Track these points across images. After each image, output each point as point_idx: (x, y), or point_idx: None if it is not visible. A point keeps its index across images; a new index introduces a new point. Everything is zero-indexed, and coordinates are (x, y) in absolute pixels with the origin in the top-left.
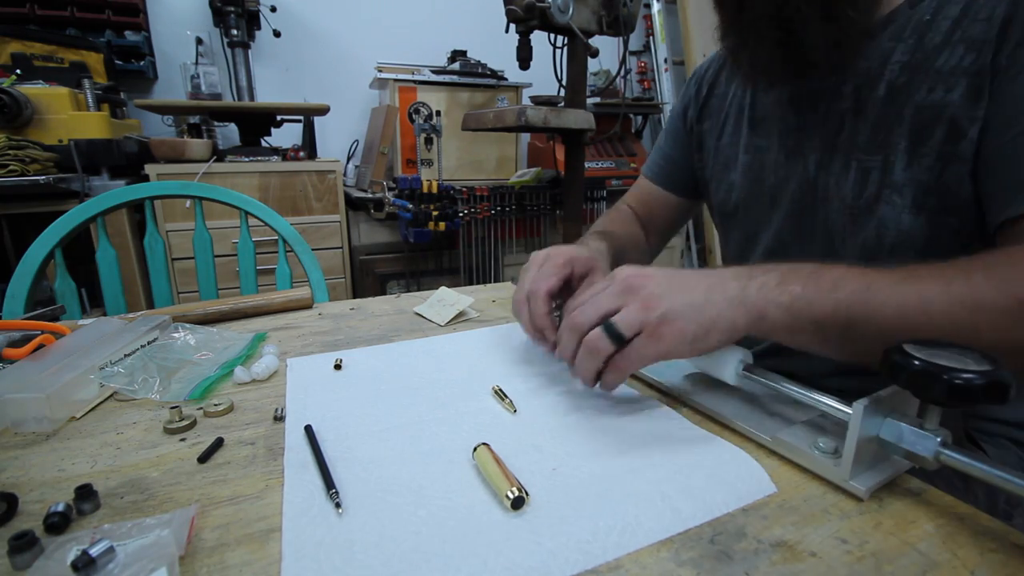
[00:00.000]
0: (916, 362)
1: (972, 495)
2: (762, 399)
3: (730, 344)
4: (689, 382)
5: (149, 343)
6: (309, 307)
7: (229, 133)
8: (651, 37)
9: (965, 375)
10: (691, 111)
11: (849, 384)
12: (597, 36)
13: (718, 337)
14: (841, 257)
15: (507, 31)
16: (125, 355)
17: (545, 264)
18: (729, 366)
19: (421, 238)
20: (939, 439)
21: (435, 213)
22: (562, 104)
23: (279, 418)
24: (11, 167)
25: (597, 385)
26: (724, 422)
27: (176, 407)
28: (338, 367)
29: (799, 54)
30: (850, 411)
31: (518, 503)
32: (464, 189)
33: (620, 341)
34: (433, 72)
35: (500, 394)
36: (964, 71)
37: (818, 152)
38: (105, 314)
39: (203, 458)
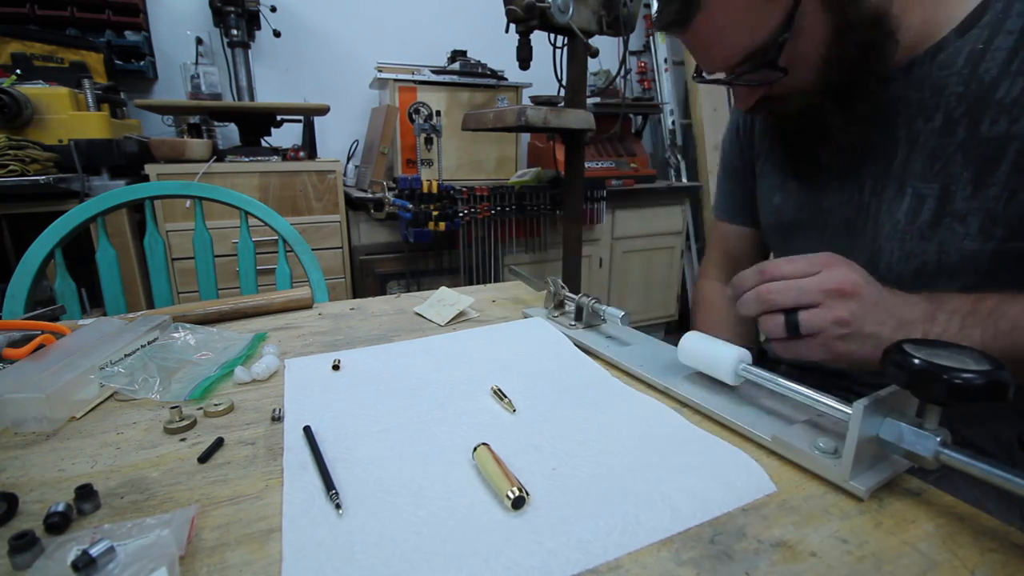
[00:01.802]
0: (916, 361)
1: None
2: (761, 399)
3: None
4: (689, 382)
5: (149, 343)
6: (309, 307)
7: (229, 133)
8: (651, 37)
9: (965, 375)
10: (743, 136)
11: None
12: (597, 36)
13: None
14: (886, 281)
15: (507, 31)
16: (125, 355)
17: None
18: (728, 366)
19: (421, 238)
20: (939, 439)
21: (435, 213)
22: (562, 104)
23: (277, 419)
24: (11, 167)
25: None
26: (724, 422)
27: (176, 407)
28: (336, 368)
29: (811, 160)
30: (850, 411)
31: (519, 503)
32: (464, 189)
33: (796, 333)
34: (433, 72)
35: (499, 394)
36: None
37: (873, 178)
38: (105, 314)
39: (203, 458)
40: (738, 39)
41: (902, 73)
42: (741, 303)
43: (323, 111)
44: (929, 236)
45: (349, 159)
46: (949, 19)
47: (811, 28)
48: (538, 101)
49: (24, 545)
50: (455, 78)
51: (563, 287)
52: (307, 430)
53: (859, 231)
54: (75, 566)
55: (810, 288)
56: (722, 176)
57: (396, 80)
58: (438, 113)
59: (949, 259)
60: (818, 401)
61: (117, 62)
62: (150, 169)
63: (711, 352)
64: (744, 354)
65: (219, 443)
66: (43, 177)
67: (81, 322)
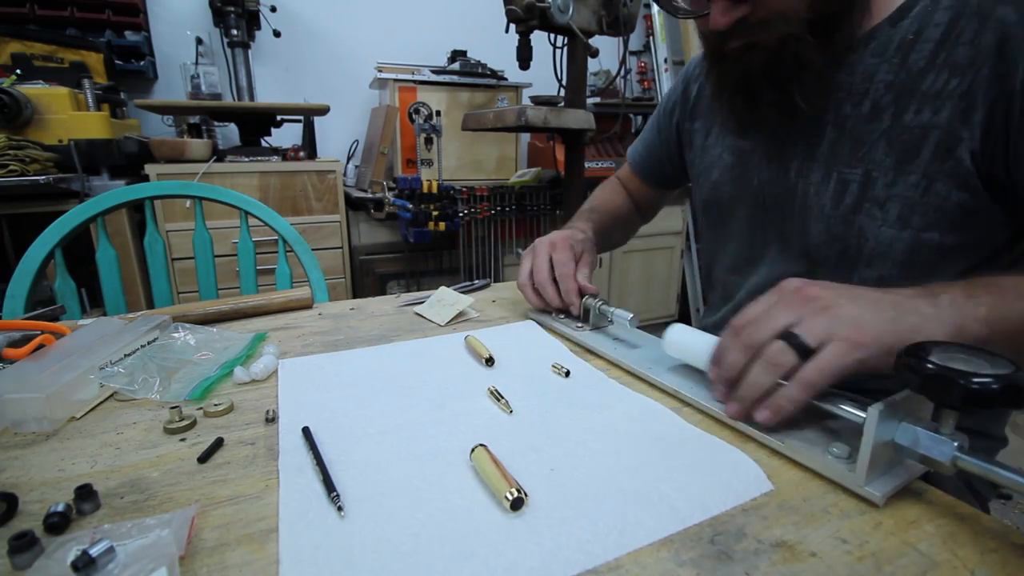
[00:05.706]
0: (930, 366)
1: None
2: None
3: None
4: (699, 386)
5: (149, 343)
6: (309, 307)
7: (229, 133)
8: (651, 37)
9: (981, 379)
10: (678, 111)
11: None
12: (597, 36)
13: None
14: (818, 264)
15: (507, 31)
16: (125, 355)
17: (558, 250)
18: (707, 356)
19: (421, 238)
20: (956, 443)
21: (435, 213)
22: (562, 104)
23: (270, 420)
24: (11, 167)
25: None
26: (734, 425)
27: (176, 407)
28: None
29: (782, 106)
30: (864, 415)
31: (517, 504)
32: (464, 189)
33: (805, 353)
34: (433, 72)
35: (496, 395)
36: (950, 94)
37: (799, 160)
38: (105, 314)
39: (203, 458)
40: None
41: (836, 57)
42: (726, 371)
43: (323, 111)
44: (851, 221)
45: (349, 159)
46: (882, 9)
47: None
48: (538, 101)
49: (24, 545)
50: (455, 78)
51: None
52: (306, 432)
53: (789, 212)
54: (75, 566)
55: (778, 310)
56: (648, 131)
57: (396, 80)
58: (438, 113)
59: (867, 245)
60: (832, 405)
61: (117, 62)
62: (150, 169)
63: (694, 343)
64: None
65: (219, 443)
66: (43, 177)
67: (81, 322)
